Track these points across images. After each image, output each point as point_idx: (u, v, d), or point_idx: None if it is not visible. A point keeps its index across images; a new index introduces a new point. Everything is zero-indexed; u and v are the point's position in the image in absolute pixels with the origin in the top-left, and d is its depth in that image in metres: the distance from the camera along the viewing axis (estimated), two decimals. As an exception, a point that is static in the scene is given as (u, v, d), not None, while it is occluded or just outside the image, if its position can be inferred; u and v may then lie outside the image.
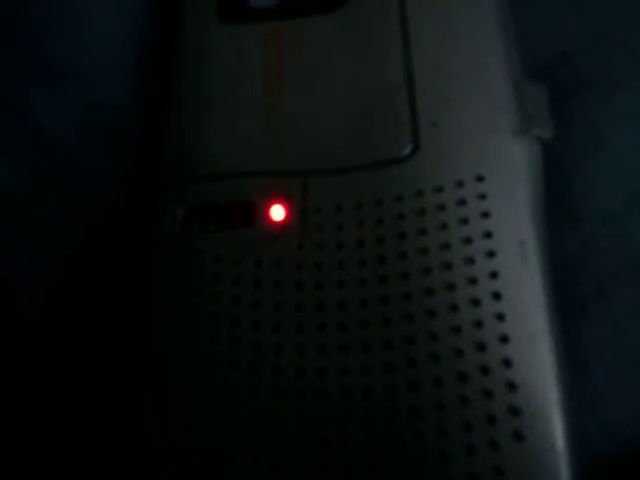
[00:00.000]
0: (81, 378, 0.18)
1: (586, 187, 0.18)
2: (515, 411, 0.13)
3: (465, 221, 0.14)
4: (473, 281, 0.14)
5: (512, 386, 0.13)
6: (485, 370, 0.13)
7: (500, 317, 0.13)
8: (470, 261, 0.14)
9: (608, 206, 0.18)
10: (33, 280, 0.19)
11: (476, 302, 0.14)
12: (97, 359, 0.17)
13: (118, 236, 0.19)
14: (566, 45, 0.21)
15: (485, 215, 0.15)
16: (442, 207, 0.15)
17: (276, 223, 0.15)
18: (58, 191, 0.20)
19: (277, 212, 0.15)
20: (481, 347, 0.13)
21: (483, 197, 0.15)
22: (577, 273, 0.17)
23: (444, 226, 0.15)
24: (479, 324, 0.13)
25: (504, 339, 0.13)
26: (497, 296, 0.14)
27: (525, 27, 0.19)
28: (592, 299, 0.17)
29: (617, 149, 0.18)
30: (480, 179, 0.15)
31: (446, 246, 0.14)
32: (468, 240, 0.14)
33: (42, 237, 0.20)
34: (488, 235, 0.14)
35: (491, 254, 0.14)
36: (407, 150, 0.16)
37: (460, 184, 0.15)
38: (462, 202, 0.15)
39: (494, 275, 0.14)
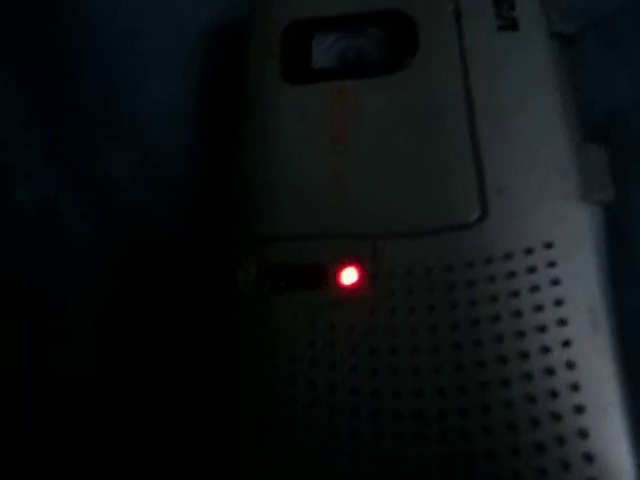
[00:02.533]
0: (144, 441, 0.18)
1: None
2: (592, 483, 0.13)
3: (536, 289, 0.15)
4: (546, 350, 0.14)
5: (588, 457, 0.13)
6: (562, 441, 0.13)
7: (575, 387, 0.14)
8: (542, 329, 0.14)
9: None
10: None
11: (550, 371, 0.14)
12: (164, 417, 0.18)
13: (176, 288, 0.20)
14: (617, 104, 0.21)
15: (555, 282, 0.15)
16: (512, 274, 0.15)
17: (348, 286, 0.16)
18: (121, 240, 0.21)
19: (348, 275, 0.16)
20: (557, 417, 0.14)
21: (552, 264, 0.15)
22: None
23: (515, 293, 0.15)
24: (554, 394, 0.14)
25: (579, 409, 0.14)
26: (571, 365, 0.14)
27: (580, 86, 0.20)
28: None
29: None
30: (548, 246, 0.15)
31: (517, 314, 0.15)
32: (539, 308, 0.15)
33: (104, 285, 0.21)
34: (559, 303, 0.15)
35: (563, 322, 0.14)
36: (475, 216, 0.16)
37: (529, 251, 0.15)
38: (532, 269, 0.15)
39: (567, 344, 0.14)
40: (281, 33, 0.20)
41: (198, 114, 0.23)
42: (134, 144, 0.23)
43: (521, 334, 0.14)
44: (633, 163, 0.20)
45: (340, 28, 0.20)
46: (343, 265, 0.16)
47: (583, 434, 0.13)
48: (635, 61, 0.21)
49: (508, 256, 0.15)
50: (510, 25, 0.19)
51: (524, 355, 0.14)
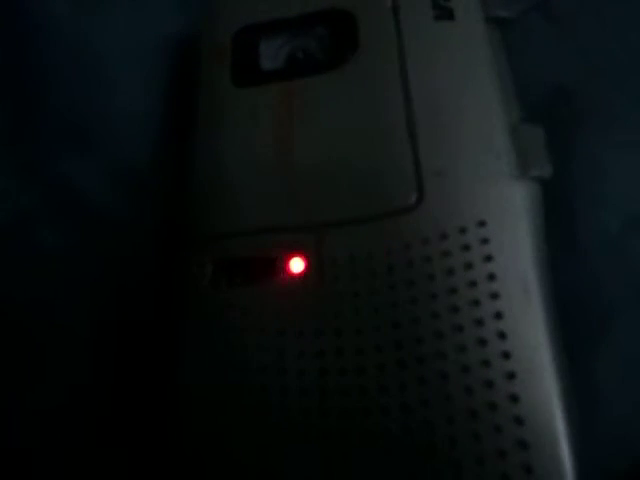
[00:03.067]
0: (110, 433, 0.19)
1: (588, 219, 0.19)
2: (524, 445, 0.14)
3: (470, 266, 0.16)
4: (479, 322, 0.15)
5: (519, 420, 0.14)
6: (493, 406, 0.14)
7: (506, 355, 0.15)
8: (475, 303, 0.15)
9: (609, 233, 0.19)
10: (71, 333, 0.21)
11: (483, 342, 0.15)
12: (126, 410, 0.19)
13: (150, 287, 0.21)
14: (564, 79, 0.22)
15: (488, 259, 0.16)
16: (447, 253, 0.16)
17: (296, 275, 0.17)
18: (95, 248, 0.22)
19: (296, 265, 0.17)
20: (489, 384, 0.14)
21: (486, 241, 0.16)
22: (585, 303, 0.18)
23: (450, 271, 0.16)
24: (486, 363, 0.15)
25: (511, 376, 0.14)
26: (502, 335, 0.15)
27: (522, 64, 0.20)
28: (598, 327, 0.18)
29: (617, 179, 0.19)
30: (482, 224, 0.16)
31: (453, 290, 0.15)
32: (473, 284, 0.15)
33: (82, 294, 0.22)
34: (492, 278, 0.15)
35: (495, 296, 0.15)
36: (412, 200, 0.17)
37: (463, 230, 0.16)
38: (466, 247, 0.16)
39: (499, 315, 0.15)
40: (230, 39, 0.21)
41: (164, 124, 0.24)
42: (103, 156, 0.24)
43: (455, 309, 0.15)
44: (578, 136, 0.20)
45: (286, 30, 0.21)
46: (291, 256, 0.17)
47: (514, 399, 0.14)
48: (579, 36, 0.22)
49: (443, 236, 0.16)
50: (446, 14, 0.19)
51: (459, 328, 0.15)
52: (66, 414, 0.20)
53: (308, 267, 0.17)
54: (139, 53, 0.26)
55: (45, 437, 0.19)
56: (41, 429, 0.20)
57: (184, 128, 0.23)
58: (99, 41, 0.26)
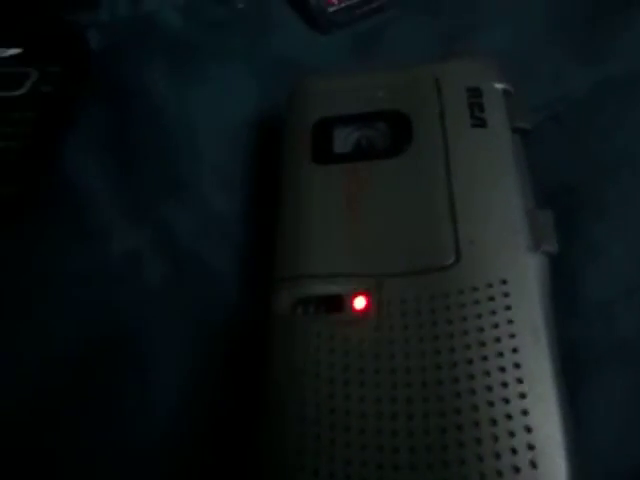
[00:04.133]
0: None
1: (584, 286, 0.24)
2: (531, 447, 0.18)
3: (494, 312, 0.21)
4: (500, 354, 0.20)
5: (529, 429, 0.19)
6: (509, 417, 0.19)
7: (520, 380, 0.19)
8: (498, 340, 0.20)
9: (601, 301, 0.24)
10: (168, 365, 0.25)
11: (502, 369, 0.20)
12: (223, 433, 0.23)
13: (234, 323, 0.26)
14: (569, 175, 0.27)
15: (508, 308, 0.21)
16: (477, 302, 0.21)
17: (359, 310, 0.22)
18: (188, 287, 0.27)
19: (359, 302, 0.22)
20: (506, 400, 0.19)
21: (507, 295, 0.21)
22: (576, 353, 0.23)
23: (479, 315, 0.21)
24: (505, 384, 0.19)
25: (522, 395, 0.19)
26: (517, 365, 0.20)
27: (537, 163, 0.26)
28: (588, 374, 0.23)
29: (610, 257, 0.25)
30: (504, 282, 0.21)
31: (481, 329, 0.20)
32: (496, 325, 0.20)
33: (175, 328, 0.26)
34: (510, 322, 0.20)
35: (512, 335, 0.20)
36: (451, 260, 0.22)
37: (490, 285, 0.21)
38: (491, 298, 0.21)
39: (515, 350, 0.20)
40: (311, 127, 0.27)
41: (245, 184, 0.30)
42: (193, 205, 0.29)
43: (482, 343, 0.20)
44: (579, 221, 0.26)
45: (355, 123, 0.27)
46: (355, 295, 0.22)
47: (525, 413, 0.19)
48: (581, 141, 0.28)
49: (474, 289, 0.21)
50: (480, 123, 0.25)
51: (484, 358, 0.20)
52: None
53: (368, 305, 0.22)
54: (224, 126, 0.32)
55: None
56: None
57: (262, 186, 0.28)
58: (193, 115, 0.33)
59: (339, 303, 0.22)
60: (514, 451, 0.18)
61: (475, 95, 0.26)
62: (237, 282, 0.27)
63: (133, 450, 0.23)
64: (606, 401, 0.22)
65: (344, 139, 0.27)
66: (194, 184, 0.30)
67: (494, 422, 0.19)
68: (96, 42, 0.37)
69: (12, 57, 0.34)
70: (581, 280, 0.24)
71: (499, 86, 0.27)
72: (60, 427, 0.24)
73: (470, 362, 0.20)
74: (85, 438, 0.23)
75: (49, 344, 0.25)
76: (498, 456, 0.18)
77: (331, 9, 0.36)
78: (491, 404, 0.19)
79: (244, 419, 0.22)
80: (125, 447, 0.23)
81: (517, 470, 0.18)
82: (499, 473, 0.18)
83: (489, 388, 0.19)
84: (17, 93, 0.31)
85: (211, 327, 0.26)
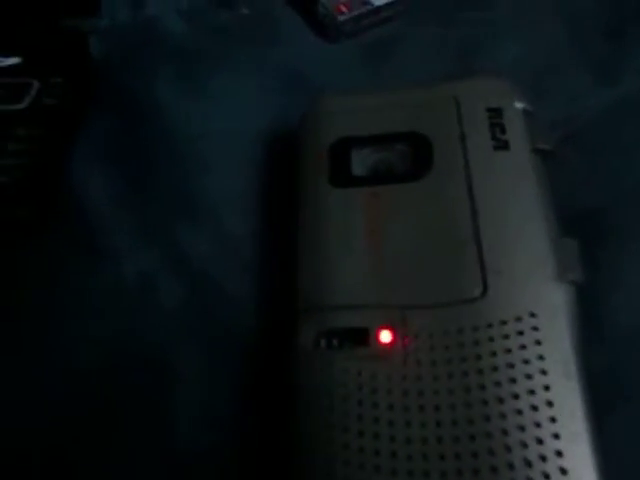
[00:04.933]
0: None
1: (610, 316, 0.24)
2: (567, 489, 0.18)
3: (524, 347, 0.20)
4: (532, 392, 0.20)
5: (564, 471, 0.18)
6: (544, 458, 0.18)
7: (552, 420, 0.19)
8: (529, 377, 0.20)
9: (628, 331, 0.23)
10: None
11: (535, 408, 0.19)
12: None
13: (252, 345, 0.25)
14: (592, 201, 0.27)
15: (538, 342, 0.20)
16: (506, 336, 0.21)
17: (385, 344, 0.21)
18: (199, 307, 0.27)
19: (385, 336, 0.21)
20: (540, 441, 0.19)
21: (536, 329, 0.21)
22: (603, 383, 0.23)
23: (508, 350, 0.20)
24: (538, 424, 0.19)
25: (556, 436, 0.19)
26: (550, 404, 0.19)
27: (558, 188, 0.25)
28: (619, 403, 0.22)
29: (633, 286, 0.24)
30: (533, 315, 0.21)
31: (511, 365, 0.20)
32: (527, 361, 0.20)
33: (193, 347, 0.26)
34: (541, 358, 0.20)
35: (544, 372, 0.20)
36: (478, 292, 0.22)
37: (519, 319, 0.21)
38: (521, 332, 0.21)
39: (547, 388, 0.20)
40: (328, 148, 0.26)
41: (257, 203, 0.29)
42: (206, 226, 0.29)
43: (513, 380, 0.20)
44: (603, 251, 0.25)
45: (373, 144, 0.26)
46: (381, 328, 0.22)
47: (559, 454, 0.19)
48: (601, 169, 0.27)
49: (503, 322, 0.21)
50: (502, 145, 0.25)
51: (516, 396, 0.20)
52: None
53: (395, 338, 0.21)
54: (235, 140, 0.31)
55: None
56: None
57: (277, 208, 0.27)
58: (203, 131, 0.32)
59: (364, 336, 0.22)
60: (550, 496, 0.18)
61: (496, 116, 0.26)
62: (253, 306, 0.26)
63: (156, 465, 0.23)
64: (632, 435, 0.22)
65: (362, 161, 0.26)
66: (206, 202, 0.29)
67: (528, 464, 0.19)
68: (97, 50, 0.36)
69: (11, 67, 0.33)
70: (606, 310, 0.24)
71: (519, 105, 0.26)
72: (83, 443, 0.23)
73: (501, 400, 0.20)
74: (108, 454, 0.23)
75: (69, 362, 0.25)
76: (534, 498, 0.18)
77: (341, 18, 0.35)
78: (524, 445, 0.19)
79: (266, 436, 0.22)
80: (147, 463, 0.23)
81: (553, 509, 0.18)
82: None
83: (522, 428, 0.19)
84: (20, 106, 0.30)
85: (228, 348, 0.25)
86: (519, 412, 0.19)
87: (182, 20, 0.38)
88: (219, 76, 0.34)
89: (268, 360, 0.24)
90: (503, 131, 0.25)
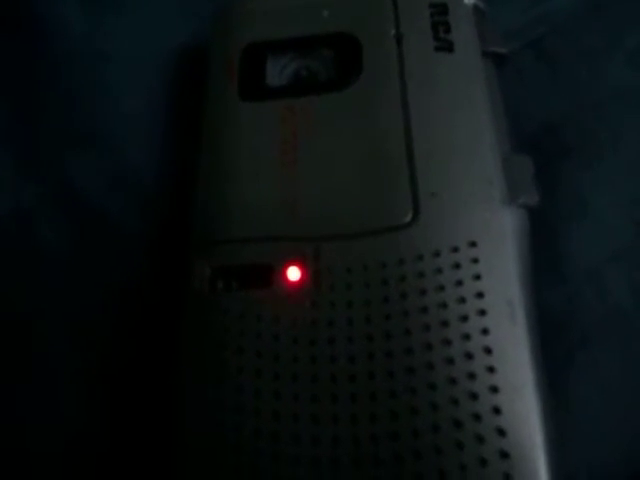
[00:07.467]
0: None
1: (570, 247, 0.20)
2: (504, 455, 0.14)
3: (460, 283, 0.16)
4: (467, 337, 0.16)
5: (501, 432, 0.15)
6: (477, 417, 0.15)
7: (491, 370, 0.15)
8: (464, 319, 0.16)
9: (590, 265, 0.20)
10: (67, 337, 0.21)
11: (469, 356, 0.16)
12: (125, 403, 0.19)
13: (147, 293, 0.21)
14: (552, 114, 0.23)
15: (477, 277, 0.17)
16: (439, 270, 0.17)
17: (292, 283, 0.17)
18: (94, 251, 0.22)
19: (293, 273, 0.17)
20: (474, 396, 0.15)
21: (476, 261, 0.17)
22: (563, 325, 0.19)
23: (441, 287, 0.16)
24: (472, 376, 0.15)
25: (494, 389, 0.15)
26: (488, 350, 0.16)
27: (513, 98, 0.21)
28: (577, 349, 0.19)
29: (598, 212, 0.21)
30: (473, 245, 0.17)
31: (443, 305, 0.16)
32: (462, 300, 0.16)
33: (78, 293, 0.22)
34: (480, 295, 0.16)
35: (483, 312, 0.16)
36: (408, 218, 0.18)
37: (455, 249, 0.17)
38: (457, 265, 0.17)
39: (485, 332, 0.16)
40: (239, 54, 0.22)
41: (166, 131, 0.25)
42: (104, 159, 0.24)
43: (445, 323, 0.16)
44: (563, 170, 0.21)
45: (293, 50, 0.22)
46: (288, 264, 0.18)
47: (497, 411, 0.15)
48: (567, 73, 0.23)
49: (436, 254, 0.17)
50: (446, 47, 0.21)
51: (447, 342, 0.16)
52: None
53: (305, 276, 0.17)
54: (145, 60, 0.26)
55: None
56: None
57: (187, 136, 0.23)
58: (106, 44, 0.27)
59: (268, 275, 0.18)
60: (483, 462, 0.14)
61: (440, 12, 0.21)
62: (150, 244, 0.22)
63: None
64: (596, 383, 0.18)
65: (279, 69, 0.22)
66: (101, 131, 0.25)
67: (459, 425, 0.15)
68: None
69: None
70: (565, 239, 0.20)
71: (469, 1, 0.22)
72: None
73: (429, 348, 0.16)
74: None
75: None
76: (463, 468, 0.14)
77: None
78: (455, 402, 0.15)
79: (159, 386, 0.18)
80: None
81: (487, 485, 0.14)
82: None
83: (452, 381, 0.15)
84: None
85: (120, 293, 0.21)
86: (450, 361, 0.16)
87: None
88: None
89: (161, 305, 0.20)
90: (448, 30, 0.21)
